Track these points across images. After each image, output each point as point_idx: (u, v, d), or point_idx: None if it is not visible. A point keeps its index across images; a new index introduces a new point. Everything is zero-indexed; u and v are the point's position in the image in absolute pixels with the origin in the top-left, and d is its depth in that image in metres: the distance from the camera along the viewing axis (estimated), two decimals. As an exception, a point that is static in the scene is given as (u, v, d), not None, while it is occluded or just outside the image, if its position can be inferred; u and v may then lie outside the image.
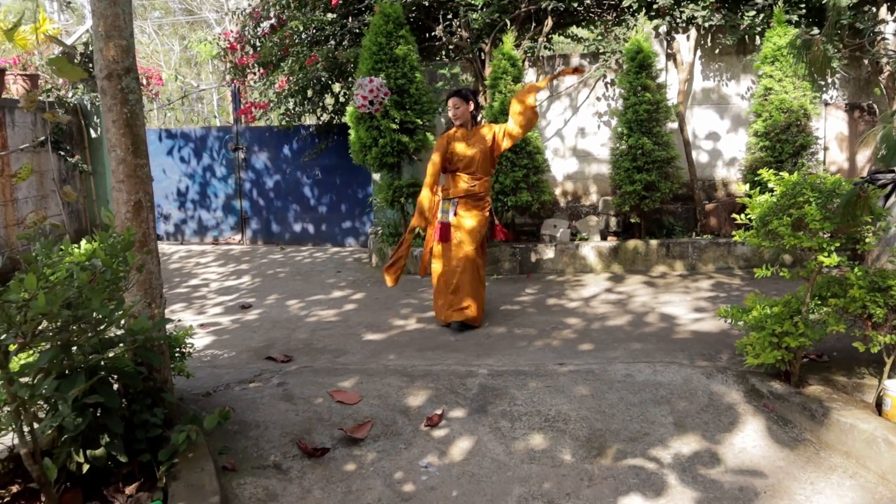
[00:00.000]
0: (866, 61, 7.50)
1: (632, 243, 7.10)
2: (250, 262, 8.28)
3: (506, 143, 5.30)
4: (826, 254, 3.54)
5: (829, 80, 7.50)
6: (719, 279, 6.66)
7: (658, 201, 6.90)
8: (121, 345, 2.84)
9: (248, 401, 3.93)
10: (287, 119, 8.34)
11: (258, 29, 8.54)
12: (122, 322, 2.85)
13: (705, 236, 7.22)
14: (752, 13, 7.20)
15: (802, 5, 7.04)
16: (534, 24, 7.84)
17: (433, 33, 8.25)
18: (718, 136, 7.78)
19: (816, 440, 3.36)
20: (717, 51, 7.68)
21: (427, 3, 8.03)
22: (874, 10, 7.26)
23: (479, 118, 5.48)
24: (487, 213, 5.49)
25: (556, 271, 7.17)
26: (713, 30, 7.58)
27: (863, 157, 7.36)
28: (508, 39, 7.21)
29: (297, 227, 9.25)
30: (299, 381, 4.20)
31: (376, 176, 8.38)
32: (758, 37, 7.55)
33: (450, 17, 8.18)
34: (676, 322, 5.35)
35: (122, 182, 3.35)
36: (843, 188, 3.58)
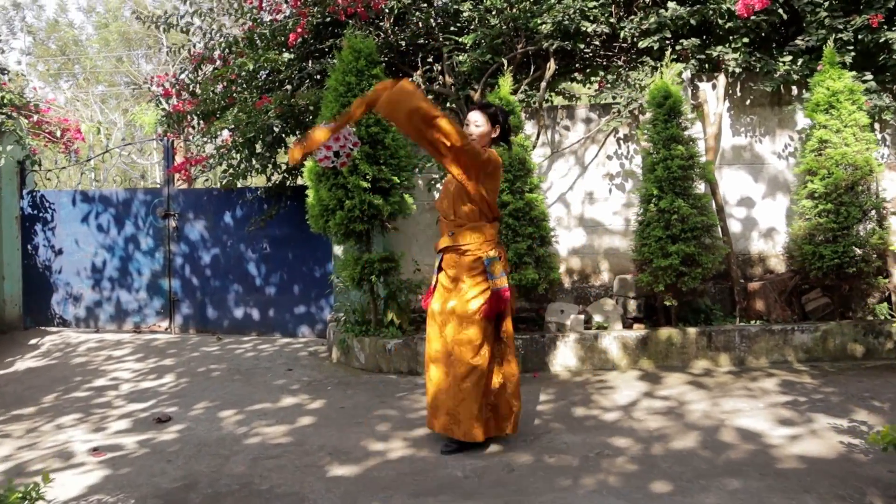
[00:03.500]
0: (921, 115, 6.41)
1: (665, 332, 5.64)
2: (177, 357, 6.52)
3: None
4: None
5: (880, 136, 6.36)
6: (783, 376, 5.20)
7: (699, 279, 5.50)
8: None
9: None
10: (229, 178, 6.79)
11: (199, 72, 7.09)
12: None
13: (754, 322, 5.81)
14: (789, 58, 6.08)
15: (851, 47, 5.94)
16: (532, 69, 6.58)
17: (410, 80, 6.92)
18: (753, 201, 6.51)
19: None
20: (748, 101, 6.51)
21: (404, 45, 6.74)
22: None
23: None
24: (483, 285, 3.81)
25: (571, 369, 5.64)
26: (743, 77, 6.42)
27: (927, 226, 6.14)
28: (506, 82, 5.89)
29: (239, 313, 7.54)
30: (226, 561, 2.52)
31: (338, 249, 6.85)
32: (794, 86, 6.43)
33: (430, 60, 6.90)
34: (767, 442, 3.84)
35: None
36: None
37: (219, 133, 7.03)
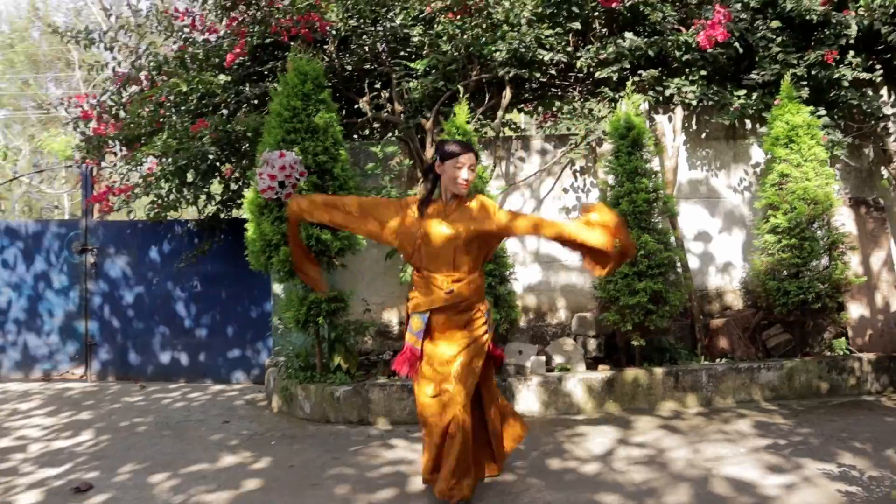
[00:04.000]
0: (867, 150, 6.49)
1: (631, 374, 5.38)
2: (95, 409, 5.82)
3: (521, 227, 3.51)
4: None
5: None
6: (754, 417, 5.01)
7: (667, 317, 5.29)
8: None
9: None
10: (157, 210, 6.19)
11: (122, 93, 6.49)
12: None
13: (720, 361, 5.64)
14: (743, 92, 6.05)
15: (805, 83, 5.94)
16: (487, 97, 6.31)
17: (355, 106, 6.55)
18: (710, 236, 6.40)
19: None
20: (703, 135, 6.43)
21: (350, 69, 6.36)
22: (870, 91, 6.30)
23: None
24: (482, 333, 3.57)
25: (535, 415, 5.30)
26: (698, 110, 6.34)
27: (877, 258, 6.16)
28: (462, 110, 5.59)
29: (166, 358, 6.87)
30: None
31: (278, 288, 6.34)
32: (748, 120, 6.40)
33: (378, 86, 6.54)
34: (763, 493, 3.58)
35: None
36: None
37: (144, 160, 6.44)
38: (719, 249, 6.39)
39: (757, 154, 6.39)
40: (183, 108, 6.44)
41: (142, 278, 6.86)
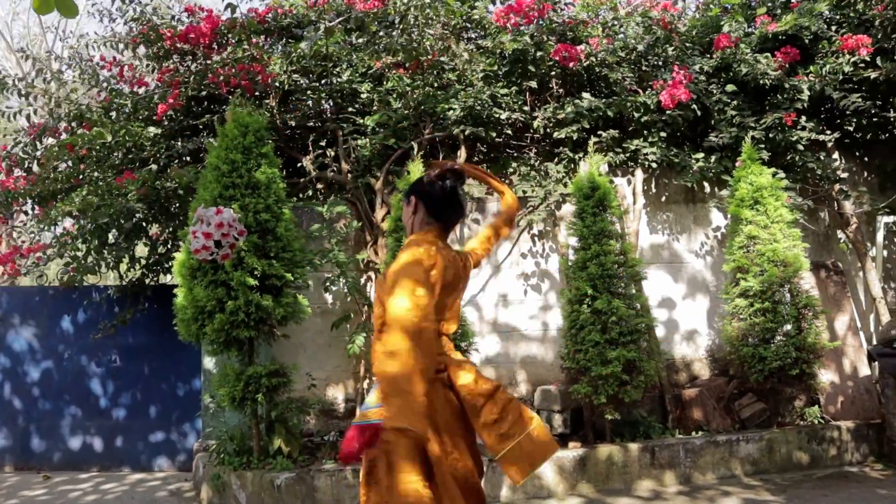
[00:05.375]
0: (823, 214, 6.43)
1: (605, 450, 4.94)
2: (-14, 507, 4.95)
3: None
4: None
5: (788, 236, 6.27)
6: (741, 494, 4.62)
7: (642, 388, 4.91)
8: None
9: None
10: (72, 274, 5.49)
11: (37, 145, 5.85)
12: None
13: (696, 434, 5.27)
14: (701, 155, 5.93)
15: (763, 146, 5.86)
16: (441, 156, 5.98)
17: (298, 165, 6.11)
18: (674, 303, 6.13)
19: None
20: (663, 198, 6.24)
21: (293, 126, 5.95)
22: (822, 155, 6.30)
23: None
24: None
25: (501, 500, 4.77)
26: (657, 173, 6.18)
27: (841, 323, 6.01)
28: (417, 168, 5.22)
29: (75, 443, 6.01)
30: None
31: (209, 362, 5.68)
32: (706, 183, 6.27)
33: (322, 144, 6.13)
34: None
35: None
36: None
37: (60, 220, 5.78)
38: (684, 316, 6.13)
39: (717, 218, 6.25)
40: (106, 163, 5.85)
41: (51, 351, 6.05)
